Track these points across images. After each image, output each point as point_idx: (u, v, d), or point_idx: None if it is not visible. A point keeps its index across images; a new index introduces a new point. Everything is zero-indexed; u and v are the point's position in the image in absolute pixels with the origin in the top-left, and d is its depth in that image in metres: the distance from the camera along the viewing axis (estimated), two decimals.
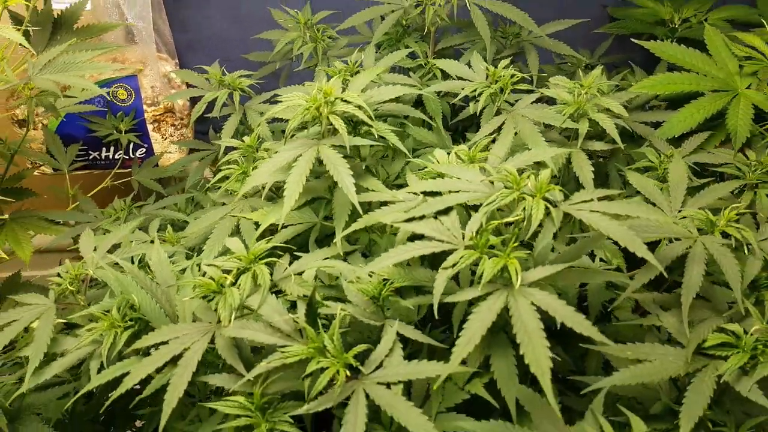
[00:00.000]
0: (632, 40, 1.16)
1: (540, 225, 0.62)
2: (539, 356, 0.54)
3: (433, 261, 0.76)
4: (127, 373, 0.70)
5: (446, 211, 0.66)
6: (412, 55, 1.19)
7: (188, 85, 1.38)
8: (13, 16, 1.16)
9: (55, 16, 1.18)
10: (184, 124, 1.56)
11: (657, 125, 1.06)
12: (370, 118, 0.76)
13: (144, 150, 1.51)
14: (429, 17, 1.14)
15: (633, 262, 0.73)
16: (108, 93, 1.43)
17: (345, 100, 0.77)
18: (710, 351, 0.64)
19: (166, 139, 1.53)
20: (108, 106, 1.45)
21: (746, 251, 0.70)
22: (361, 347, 0.61)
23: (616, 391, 0.67)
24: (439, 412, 0.71)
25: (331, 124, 0.76)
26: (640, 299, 0.73)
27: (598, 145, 0.89)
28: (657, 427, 0.65)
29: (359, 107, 0.76)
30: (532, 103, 0.93)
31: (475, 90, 0.92)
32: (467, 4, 1.14)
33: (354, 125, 0.82)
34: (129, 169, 1.46)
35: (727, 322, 0.66)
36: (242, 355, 0.69)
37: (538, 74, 1.19)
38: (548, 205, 0.63)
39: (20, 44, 0.88)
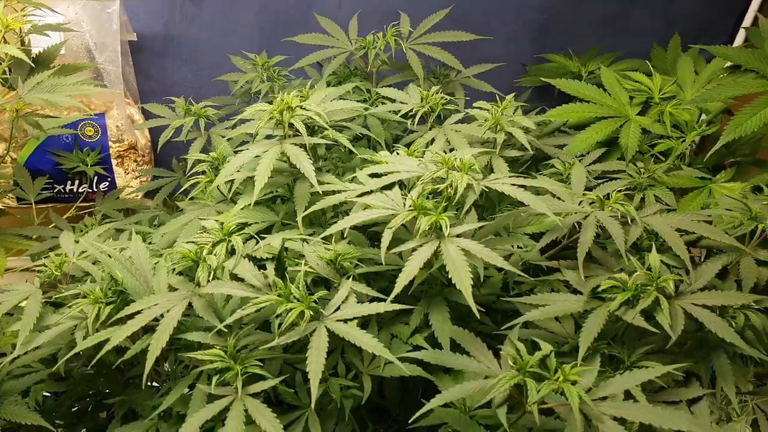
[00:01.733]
0: (542, 79, 1.39)
1: (464, 195, 0.78)
2: (463, 278, 0.68)
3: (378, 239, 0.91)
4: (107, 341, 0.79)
5: (390, 187, 0.81)
6: (358, 92, 1.37)
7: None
8: None
9: (33, 56, 1.30)
10: (145, 161, 1.67)
11: (564, 147, 1.26)
12: (326, 122, 0.92)
13: (107, 183, 1.60)
14: (371, 58, 1.33)
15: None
16: (77, 129, 1.53)
17: (303, 108, 0.92)
18: (603, 294, 0.80)
19: (128, 173, 1.63)
20: (75, 142, 1.55)
21: (629, 223, 0.88)
22: (321, 293, 0.74)
23: (530, 336, 0.81)
24: (387, 363, 0.83)
25: (292, 127, 0.91)
26: (550, 264, 0.89)
27: (513, 152, 1.07)
28: (565, 360, 0.79)
29: (317, 114, 0.92)
30: (457, 122, 1.11)
31: (411, 109, 1.09)
32: (403, 49, 1.35)
33: (312, 131, 0.97)
34: (92, 202, 1.55)
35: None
36: (217, 315, 0.80)
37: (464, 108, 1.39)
38: (470, 179, 0.79)
39: None
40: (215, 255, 0.79)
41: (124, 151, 1.61)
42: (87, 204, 1.58)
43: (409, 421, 0.74)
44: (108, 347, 0.79)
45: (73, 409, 1.09)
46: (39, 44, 1.34)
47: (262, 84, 1.42)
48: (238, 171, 0.92)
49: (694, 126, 1.22)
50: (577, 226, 0.90)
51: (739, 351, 0.83)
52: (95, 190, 1.60)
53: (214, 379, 0.74)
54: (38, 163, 1.54)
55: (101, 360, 1.05)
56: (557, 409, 0.74)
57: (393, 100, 1.16)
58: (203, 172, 1.09)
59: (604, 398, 0.68)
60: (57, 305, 0.91)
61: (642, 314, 0.77)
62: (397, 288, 0.70)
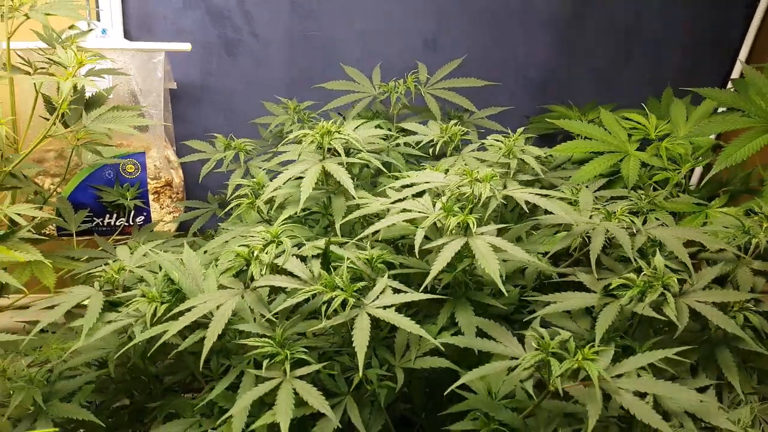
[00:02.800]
0: (547, 119, 1.52)
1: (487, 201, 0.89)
2: (491, 264, 0.78)
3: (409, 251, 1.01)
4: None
5: (420, 194, 0.91)
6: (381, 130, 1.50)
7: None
8: (45, 99, 1.41)
9: (86, 98, 1.44)
10: (179, 197, 1.79)
11: (569, 179, 1.38)
12: (361, 145, 1.04)
13: (143, 217, 1.71)
14: (393, 101, 1.47)
15: None
16: (119, 166, 1.66)
17: (340, 133, 1.04)
18: (614, 292, 0.89)
19: (163, 209, 1.75)
20: (117, 178, 1.67)
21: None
22: (362, 283, 0.83)
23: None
24: (417, 357, 0.91)
25: (330, 149, 1.03)
26: (564, 271, 0.98)
27: (525, 177, 1.18)
28: None
29: (353, 138, 1.04)
30: (472, 150, 1.23)
31: (432, 139, 1.22)
32: (422, 93, 1.49)
33: (347, 154, 1.09)
34: (128, 236, 1.65)
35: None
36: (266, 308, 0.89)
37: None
38: (492, 188, 0.90)
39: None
40: (266, 253, 0.89)
41: (160, 187, 1.73)
42: (123, 237, 1.68)
43: (444, 397, 0.81)
44: (165, 338, 0.87)
45: (110, 419, 1.16)
46: (89, 89, 1.48)
47: (293, 125, 1.55)
48: (284, 184, 1.03)
49: (688, 159, 1.34)
50: (586, 240, 1.00)
51: (742, 347, 0.91)
52: (131, 223, 1.71)
53: (265, 363, 0.82)
54: (81, 197, 1.65)
55: (140, 369, 1.13)
56: (575, 391, 0.81)
57: (415, 133, 1.28)
58: (245, 195, 1.20)
59: (620, 376, 0.76)
60: (114, 305, 0.99)
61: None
62: (433, 273, 0.79)
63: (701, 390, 0.86)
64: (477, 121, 1.56)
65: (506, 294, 0.80)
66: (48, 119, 1.36)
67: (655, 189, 1.33)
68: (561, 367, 0.74)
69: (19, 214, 1.05)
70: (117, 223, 1.70)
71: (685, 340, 0.92)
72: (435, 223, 0.86)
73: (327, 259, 0.88)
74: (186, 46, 1.66)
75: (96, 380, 1.05)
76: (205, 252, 1.18)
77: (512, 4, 1.94)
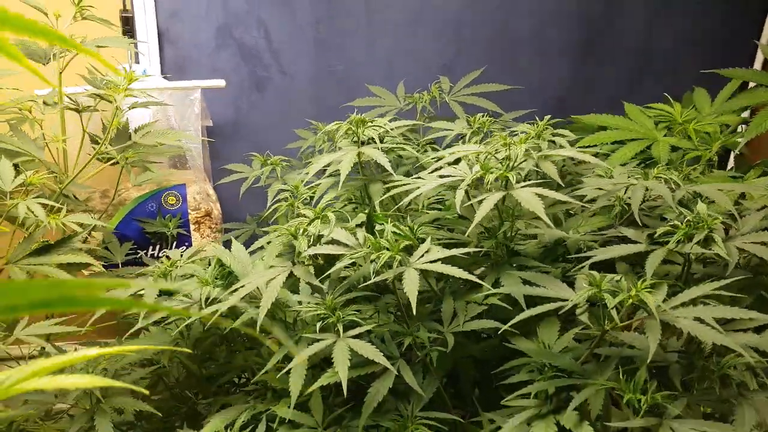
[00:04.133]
0: (572, 117, 1.55)
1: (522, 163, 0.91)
2: (535, 203, 0.79)
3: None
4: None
5: (456, 162, 0.94)
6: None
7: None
8: (92, 138, 1.51)
9: (130, 132, 1.53)
10: (218, 228, 1.84)
11: None
12: (390, 132, 1.08)
13: (185, 247, 1.76)
14: (419, 111, 1.53)
15: None
16: (161, 198, 1.73)
17: (373, 123, 1.09)
18: (659, 239, 0.89)
19: (204, 238, 1.80)
20: (159, 210, 1.74)
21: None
22: (407, 243, 0.85)
23: None
24: (466, 321, 0.91)
25: (364, 141, 1.07)
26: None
27: (556, 157, 1.20)
28: None
29: (384, 129, 1.08)
30: None
31: (461, 131, 1.25)
32: (447, 101, 1.54)
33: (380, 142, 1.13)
34: None
35: None
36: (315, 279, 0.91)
37: None
38: (528, 148, 0.92)
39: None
40: (313, 227, 0.92)
41: (201, 217, 1.79)
42: None
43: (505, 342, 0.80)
44: (220, 312, 0.89)
45: (164, 421, 1.16)
46: (132, 123, 1.58)
47: (324, 144, 1.61)
48: (323, 176, 1.06)
49: (718, 137, 1.35)
50: (625, 207, 1.01)
51: None
52: None
53: (318, 324, 0.83)
54: (125, 230, 1.72)
55: (192, 370, 1.14)
56: (631, 338, 0.80)
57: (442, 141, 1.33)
58: (284, 199, 1.24)
59: (676, 307, 0.75)
60: (169, 294, 1.02)
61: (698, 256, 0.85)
62: (476, 220, 0.81)
63: (760, 329, 0.83)
64: (503, 124, 1.60)
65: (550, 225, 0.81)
66: (98, 158, 1.45)
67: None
68: (615, 300, 0.73)
69: (76, 223, 1.11)
70: (160, 254, 1.75)
71: (738, 285, 0.91)
72: (473, 187, 0.88)
73: (371, 227, 0.90)
74: (221, 83, 1.76)
75: (150, 377, 1.07)
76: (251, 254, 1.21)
77: (526, 31, 2.03)
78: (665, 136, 1.43)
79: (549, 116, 1.27)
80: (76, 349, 0.46)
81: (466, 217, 1.05)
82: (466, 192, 0.90)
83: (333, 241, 0.90)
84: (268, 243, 1.19)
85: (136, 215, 1.72)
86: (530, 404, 0.78)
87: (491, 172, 0.87)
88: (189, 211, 1.77)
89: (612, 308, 0.73)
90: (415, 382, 0.84)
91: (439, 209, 1.16)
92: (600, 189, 1.01)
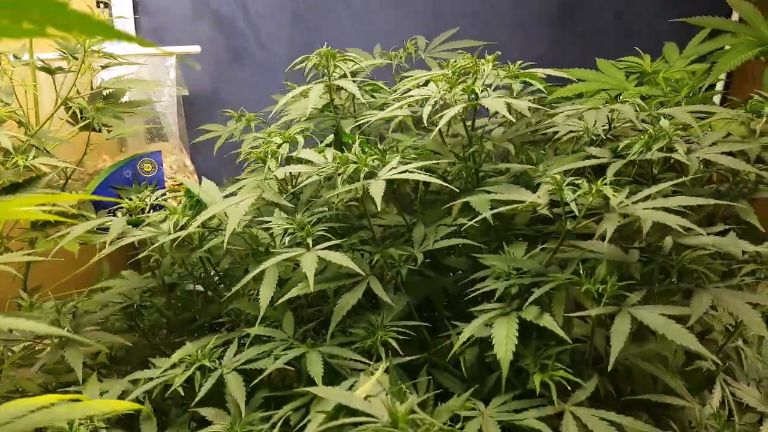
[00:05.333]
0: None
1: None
2: (500, 105, 0.80)
3: None
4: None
5: (426, 83, 0.95)
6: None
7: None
8: (65, 105, 1.50)
9: (104, 94, 1.53)
10: None
11: None
12: (363, 67, 1.09)
13: None
14: (394, 67, 1.54)
15: None
16: (137, 166, 1.72)
17: (344, 57, 1.10)
18: (622, 152, 0.90)
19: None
20: (135, 177, 1.73)
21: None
22: (375, 157, 0.85)
23: None
24: (436, 240, 0.92)
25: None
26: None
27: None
28: None
29: (354, 60, 1.09)
30: None
31: None
32: (422, 57, 1.56)
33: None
34: None
35: None
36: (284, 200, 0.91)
37: None
38: (495, 65, 0.94)
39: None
40: (281, 149, 0.92)
41: (178, 185, 1.78)
42: None
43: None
44: (187, 231, 0.89)
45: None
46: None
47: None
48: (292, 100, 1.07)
49: (685, 83, 1.37)
50: (595, 138, 1.03)
51: (758, 196, 0.91)
52: None
53: (287, 239, 0.84)
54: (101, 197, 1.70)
55: (166, 317, 1.14)
56: (592, 245, 0.81)
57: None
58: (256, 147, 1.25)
59: (636, 202, 0.76)
60: (135, 225, 1.02)
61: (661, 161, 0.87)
62: (442, 123, 0.82)
63: (721, 234, 0.84)
64: None
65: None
66: (70, 122, 1.44)
67: None
68: (574, 195, 0.74)
69: (45, 165, 1.10)
70: None
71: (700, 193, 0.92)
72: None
73: (340, 144, 0.90)
74: (196, 49, 1.76)
75: (121, 314, 1.06)
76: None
77: (506, 3, 2.06)
78: (636, 86, 1.45)
79: (521, 61, 1.29)
80: None
81: (438, 152, 1.06)
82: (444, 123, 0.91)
83: (302, 161, 0.90)
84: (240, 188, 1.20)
85: (112, 182, 1.71)
86: (495, 307, 0.78)
87: (457, 85, 0.88)
88: (165, 178, 1.76)
89: (571, 201, 0.74)
90: (385, 294, 0.84)
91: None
92: (568, 117, 1.03)
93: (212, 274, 1.11)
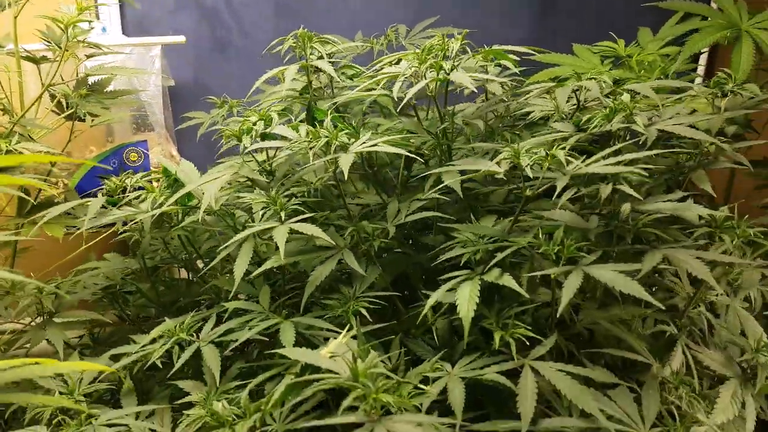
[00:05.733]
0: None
1: None
2: (466, 79, 0.83)
3: None
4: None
5: (398, 62, 0.98)
6: None
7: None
8: (51, 94, 1.52)
9: (89, 83, 1.55)
10: None
11: None
12: (338, 48, 1.12)
13: None
14: (375, 53, 1.57)
15: None
16: (123, 155, 1.74)
17: (321, 38, 1.12)
18: (584, 126, 0.93)
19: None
20: (121, 167, 1.75)
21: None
22: (346, 132, 0.88)
23: None
24: (408, 214, 0.94)
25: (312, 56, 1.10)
26: None
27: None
28: None
29: (332, 41, 1.12)
30: None
31: None
32: (403, 44, 1.58)
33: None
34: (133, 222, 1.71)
35: None
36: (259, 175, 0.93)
37: None
38: (463, 45, 0.96)
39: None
40: (256, 127, 0.95)
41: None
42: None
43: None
44: (165, 208, 0.91)
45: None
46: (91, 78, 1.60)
47: None
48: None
49: (657, 65, 1.40)
50: (564, 116, 1.06)
51: (713, 167, 0.94)
52: None
53: (261, 212, 0.86)
54: (87, 187, 1.72)
55: (148, 298, 1.16)
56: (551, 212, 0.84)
57: None
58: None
59: (589, 164, 0.79)
60: (113, 204, 1.04)
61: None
62: (409, 94, 0.84)
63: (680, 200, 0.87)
64: None
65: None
66: (55, 111, 1.46)
67: None
68: (530, 160, 0.77)
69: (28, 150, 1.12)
70: None
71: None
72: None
73: (312, 120, 0.93)
74: (180, 38, 1.78)
75: (106, 298, 1.09)
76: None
77: None
78: (610, 69, 1.48)
79: (496, 46, 1.32)
80: None
81: (414, 132, 1.09)
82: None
83: (277, 138, 0.93)
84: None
85: (99, 172, 1.73)
86: (461, 274, 0.81)
87: (426, 62, 0.91)
88: (151, 167, 1.78)
89: (527, 167, 0.76)
90: (357, 265, 0.87)
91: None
92: (537, 96, 1.06)
93: (194, 256, 1.14)
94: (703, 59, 2.22)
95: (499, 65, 1.24)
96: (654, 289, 0.95)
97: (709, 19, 1.36)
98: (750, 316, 0.98)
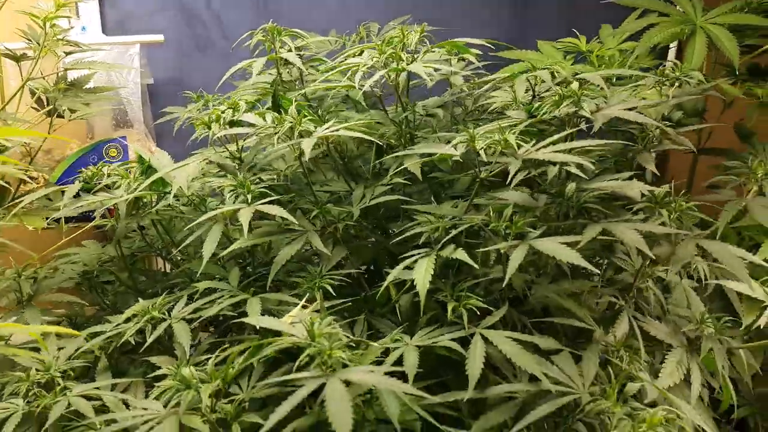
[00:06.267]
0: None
1: None
2: (421, 69, 0.88)
3: None
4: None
5: (361, 53, 1.03)
6: None
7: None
8: (32, 91, 1.55)
9: (69, 80, 1.58)
10: None
11: None
12: (306, 39, 1.17)
13: None
14: None
15: None
16: (103, 150, 1.78)
17: (289, 32, 1.17)
18: (535, 112, 0.99)
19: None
20: (101, 163, 1.78)
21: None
22: (310, 118, 0.93)
23: None
24: (373, 197, 0.99)
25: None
26: None
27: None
28: None
29: (300, 34, 1.16)
30: None
31: None
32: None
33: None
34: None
35: None
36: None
37: None
38: (422, 37, 1.01)
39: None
40: (224, 115, 0.99)
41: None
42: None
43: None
44: (138, 193, 0.96)
45: None
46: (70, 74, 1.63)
47: None
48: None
49: (615, 60, 1.46)
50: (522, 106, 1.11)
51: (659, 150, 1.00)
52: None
53: (228, 195, 0.91)
54: (67, 183, 1.75)
55: (125, 284, 1.20)
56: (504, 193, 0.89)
57: None
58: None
59: (539, 149, 0.84)
60: (88, 190, 1.08)
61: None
62: (368, 83, 0.89)
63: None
64: None
65: None
66: (35, 108, 1.50)
67: None
68: (484, 143, 0.82)
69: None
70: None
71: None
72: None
73: (277, 106, 0.98)
74: (159, 38, 1.82)
75: (80, 278, 1.12)
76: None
77: None
78: (573, 64, 1.54)
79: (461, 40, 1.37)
80: None
81: (380, 122, 1.14)
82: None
83: (244, 124, 0.97)
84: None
85: (78, 167, 1.76)
86: (420, 251, 0.86)
87: (384, 53, 0.96)
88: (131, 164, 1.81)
89: (481, 150, 0.82)
90: (322, 245, 0.92)
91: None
92: (493, 85, 1.11)
93: (168, 243, 1.18)
94: (671, 55, 2.30)
95: (463, 59, 1.30)
96: (605, 266, 1.00)
97: (667, 14, 1.43)
98: (692, 291, 1.04)
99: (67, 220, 1.71)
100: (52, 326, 0.75)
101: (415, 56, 1.00)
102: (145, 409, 0.70)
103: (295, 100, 0.96)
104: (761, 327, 1.20)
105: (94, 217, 1.78)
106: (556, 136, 0.84)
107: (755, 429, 1.74)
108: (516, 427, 0.69)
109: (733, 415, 1.74)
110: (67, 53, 1.52)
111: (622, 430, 0.63)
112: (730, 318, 1.04)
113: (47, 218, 1.52)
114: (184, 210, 1.19)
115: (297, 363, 0.62)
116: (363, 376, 0.62)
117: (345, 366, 0.63)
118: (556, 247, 0.74)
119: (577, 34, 1.62)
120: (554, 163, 0.86)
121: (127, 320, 0.94)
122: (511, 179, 0.81)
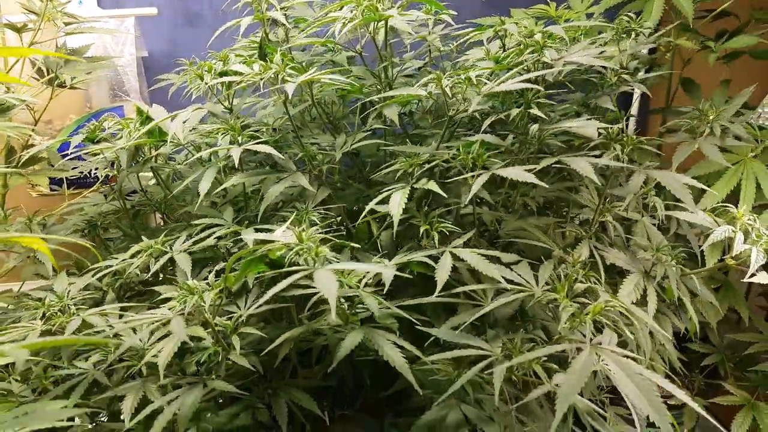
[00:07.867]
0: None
1: None
2: (402, 24, 0.96)
3: None
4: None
5: (342, 8, 1.11)
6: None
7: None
8: (32, 63, 1.63)
9: (70, 50, 1.66)
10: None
11: None
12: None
13: None
14: None
15: None
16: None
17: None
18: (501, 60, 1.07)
19: None
20: None
21: None
22: (294, 65, 1.01)
23: None
24: (353, 143, 1.08)
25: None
26: None
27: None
28: None
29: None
30: None
31: None
32: None
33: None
34: (114, 183, 1.83)
35: None
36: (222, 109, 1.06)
37: None
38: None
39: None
40: (215, 65, 1.08)
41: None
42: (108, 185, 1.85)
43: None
44: (137, 141, 1.04)
45: None
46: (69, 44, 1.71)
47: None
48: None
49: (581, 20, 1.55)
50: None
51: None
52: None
53: (220, 137, 0.99)
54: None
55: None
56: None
57: None
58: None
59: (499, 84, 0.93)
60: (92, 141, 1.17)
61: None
62: (344, 30, 0.98)
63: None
64: None
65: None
66: (35, 77, 1.57)
67: None
68: (451, 81, 0.91)
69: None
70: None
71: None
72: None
73: (263, 54, 1.06)
74: (152, 11, 1.90)
75: (86, 225, 1.21)
76: None
77: None
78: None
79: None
80: None
81: (362, 77, 1.23)
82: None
83: (232, 73, 1.06)
84: None
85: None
86: (397, 186, 0.95)
87: (361, 4, 1.04)
88: None
89: (447, 87, 0.90)
90: (307, 183, 1.01)
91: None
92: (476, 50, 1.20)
93: (169, 195, 1.27)
94: None
95: (440, 21, 1.38)
96: (569, 205, 1.10)
97: None
98: (653, 226, 1.14)
99: (69, 185, 1.80)
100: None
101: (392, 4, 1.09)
102: (153, 314, 0.80)
103: (278, 49, 1.05)
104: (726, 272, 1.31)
105: (94, 181, 1.87)
106: (514, 70, 0.93)
107: (725, 377, 1.84)
108: (477, 314, 0.78)
109: (703, 363, 1.85)
110: (66, 23, 1.60)
111: (568, 315, 0.72)
112: (688, 253, 1.13)
113: (51, 179, 1.61)
114: (182, 169, 1.28)
115: (287, 260, 0.72)
116: (346, 265, 0.71)
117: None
118: (516, 172, 0.83)
119: (548, 1, 1.71)
120: (518, 103, 0.95)
121: (132, 256, 1.03)
122: (481, 118, 0.90)
